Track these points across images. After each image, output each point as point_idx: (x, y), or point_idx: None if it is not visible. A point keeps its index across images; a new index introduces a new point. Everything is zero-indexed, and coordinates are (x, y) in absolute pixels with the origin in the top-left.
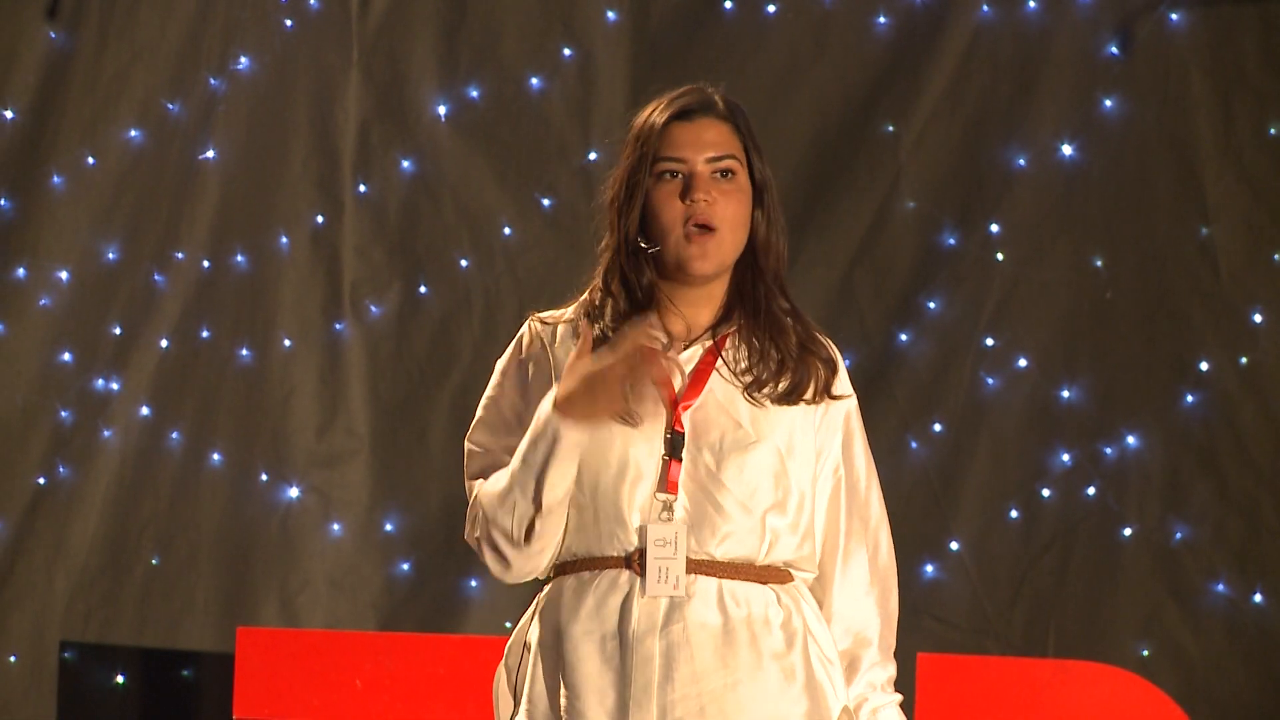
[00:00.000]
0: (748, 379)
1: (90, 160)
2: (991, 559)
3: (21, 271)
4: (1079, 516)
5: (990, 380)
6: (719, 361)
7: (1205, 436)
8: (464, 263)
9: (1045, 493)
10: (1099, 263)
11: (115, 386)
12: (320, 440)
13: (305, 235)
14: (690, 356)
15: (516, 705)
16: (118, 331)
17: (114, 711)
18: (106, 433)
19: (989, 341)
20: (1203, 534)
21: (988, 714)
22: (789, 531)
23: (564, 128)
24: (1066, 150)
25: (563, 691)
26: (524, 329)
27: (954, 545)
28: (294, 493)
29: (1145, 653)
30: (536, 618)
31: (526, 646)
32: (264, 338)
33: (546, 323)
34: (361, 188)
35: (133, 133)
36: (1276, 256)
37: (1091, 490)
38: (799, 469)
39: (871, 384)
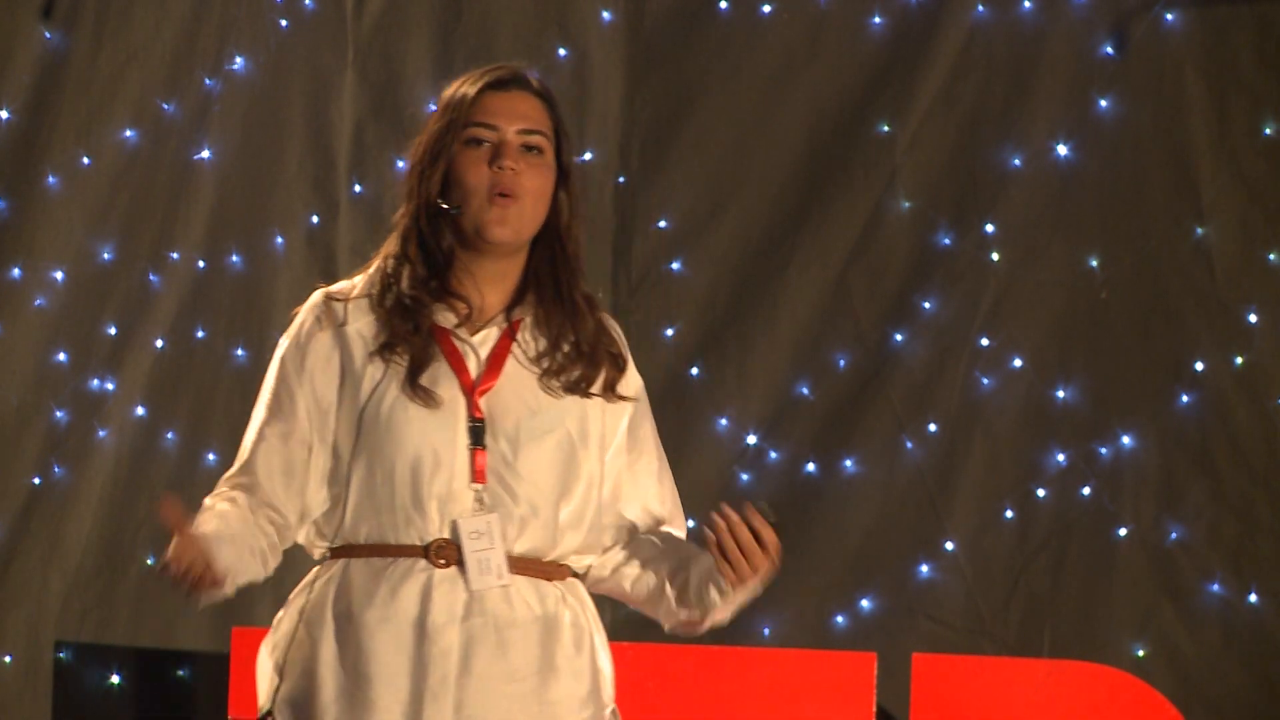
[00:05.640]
0: (543, 365)
1: (85, 160)
2: (986, 559)
3: (16, 272)
4: (1074, 516)
5: (985, 380)
6: (514, 345)
7: (1200, 436)
8: None
9: (1040, 493)
10: (1094, 263)
11: (110, 386)
12: None
13: (300, 235)
14: (485, 338)
15: (282, 682)
16: (113, 332)
17: (109, 712)
18: (101, 433)
19: (984, 341)
20: (1198, 534)
21: (983, 714)
22: (575, 524)
23: None
24: (1061, 150)
25: (351, 677)
26: (306, 309)
27: (949, 545)
28: None
29: (1140, 653)
30: (316, 598)
31: (303, 626)
32: (259, 338)
33: (336, 298)
34: (357, 188)
35: (128, 133)
36: (1271, 256)
37: (1086, 490)
38: (587, 459)
39: (866, 384)
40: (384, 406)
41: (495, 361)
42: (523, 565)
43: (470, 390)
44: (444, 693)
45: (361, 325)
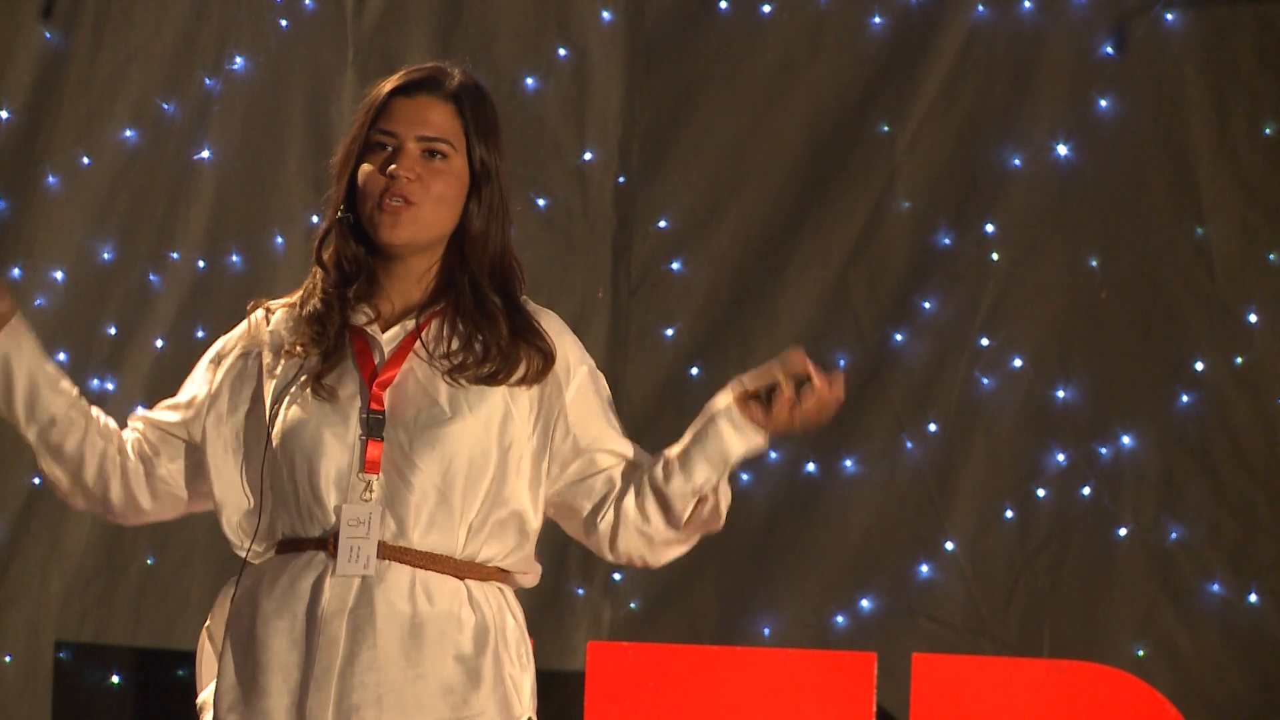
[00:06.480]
0: (448, 363)
1: (85, 160)
2: (986, 559)
3: (16, 272)
4: (1074, 516)
5: (985, 380)
6: (418, 342)
7: (1200, 436)
8: None
9: (1040, 493)
10: (1094, 263)
11: (110, 387)
12: None
13: (300, 235)
14: (393, 336)
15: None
16: (113, 332)
17: (109, 712)
18: None
19: (984, 341)
20: (1198, 534)
21: (983, 714)
22: (480, 525)
23: (559, 128)
24: (1061, 150)
25: (248, 664)
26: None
27: (949, 545)
28: None
29: (1140, 653)
30: (239, 589)
31: (229, 614)
32: None
33: (270, 309)
34: None
35: (128, 133)
36: (1271, 256)
37: (1086, 490)
38: (502, 451)
39: (866, 384)
40: (287, 406)
41: (397, 356)
42: (431, 561)
43: (370, 382)
44: (326, 682)
45: (282, 331)
